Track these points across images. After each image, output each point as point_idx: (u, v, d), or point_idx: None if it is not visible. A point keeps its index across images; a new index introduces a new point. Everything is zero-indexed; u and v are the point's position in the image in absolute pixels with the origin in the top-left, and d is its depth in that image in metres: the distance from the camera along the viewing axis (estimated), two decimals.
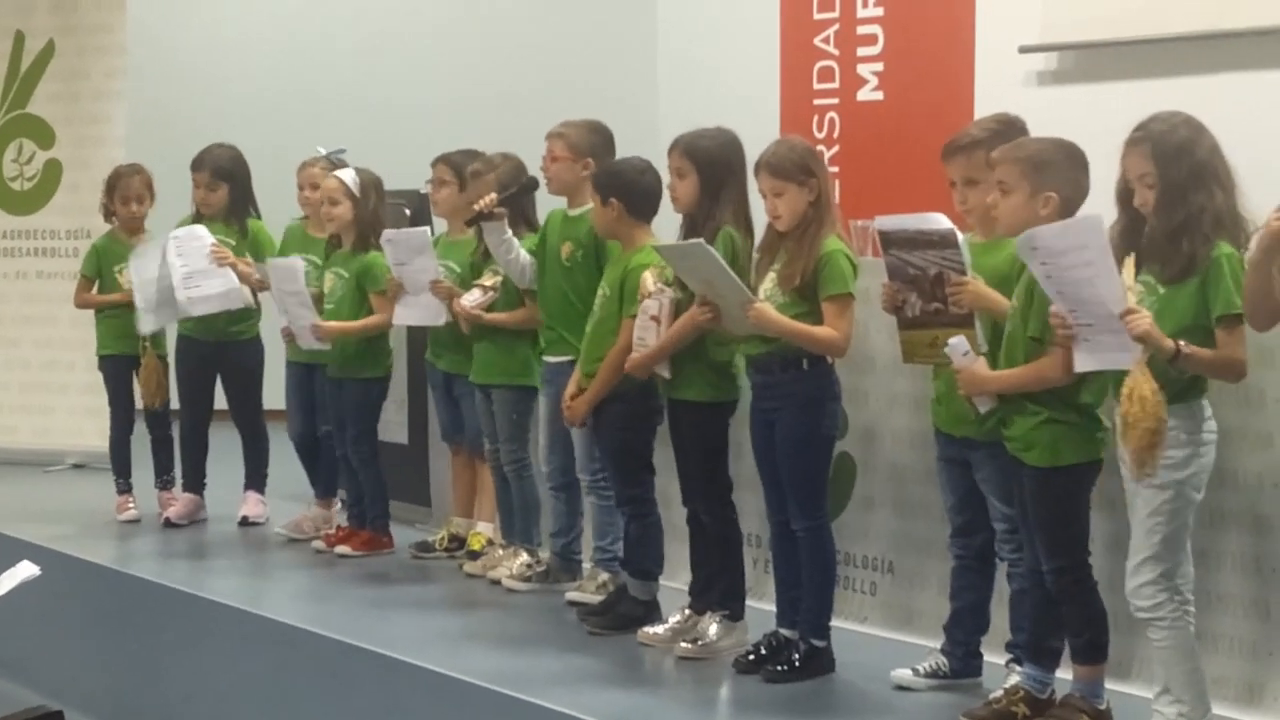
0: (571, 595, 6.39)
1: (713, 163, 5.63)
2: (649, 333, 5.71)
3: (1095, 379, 4.68)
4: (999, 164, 4.79)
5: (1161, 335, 4.30)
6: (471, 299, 6.75)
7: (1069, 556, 4.74)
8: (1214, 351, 4.35)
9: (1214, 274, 4.33)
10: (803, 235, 5.32)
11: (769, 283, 5.37)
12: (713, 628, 5.69)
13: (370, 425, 7.35)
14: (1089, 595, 4.77)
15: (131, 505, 8.15)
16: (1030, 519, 4.79)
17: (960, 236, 4.92)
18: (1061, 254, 4.36)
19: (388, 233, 7.12)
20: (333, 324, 7.15)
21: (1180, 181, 4.36)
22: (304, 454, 7.72)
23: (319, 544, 7.43)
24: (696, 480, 5.76)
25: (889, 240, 5.05)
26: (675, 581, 6.17)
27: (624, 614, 6.02)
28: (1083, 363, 4.47)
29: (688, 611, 5.83)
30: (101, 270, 8.18)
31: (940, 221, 4.92)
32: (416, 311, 7.04)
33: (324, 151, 7.55)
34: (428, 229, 7.20)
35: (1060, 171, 4.70)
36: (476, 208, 6.46)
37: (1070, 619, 4.79)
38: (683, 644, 5.70)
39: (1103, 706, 4.79)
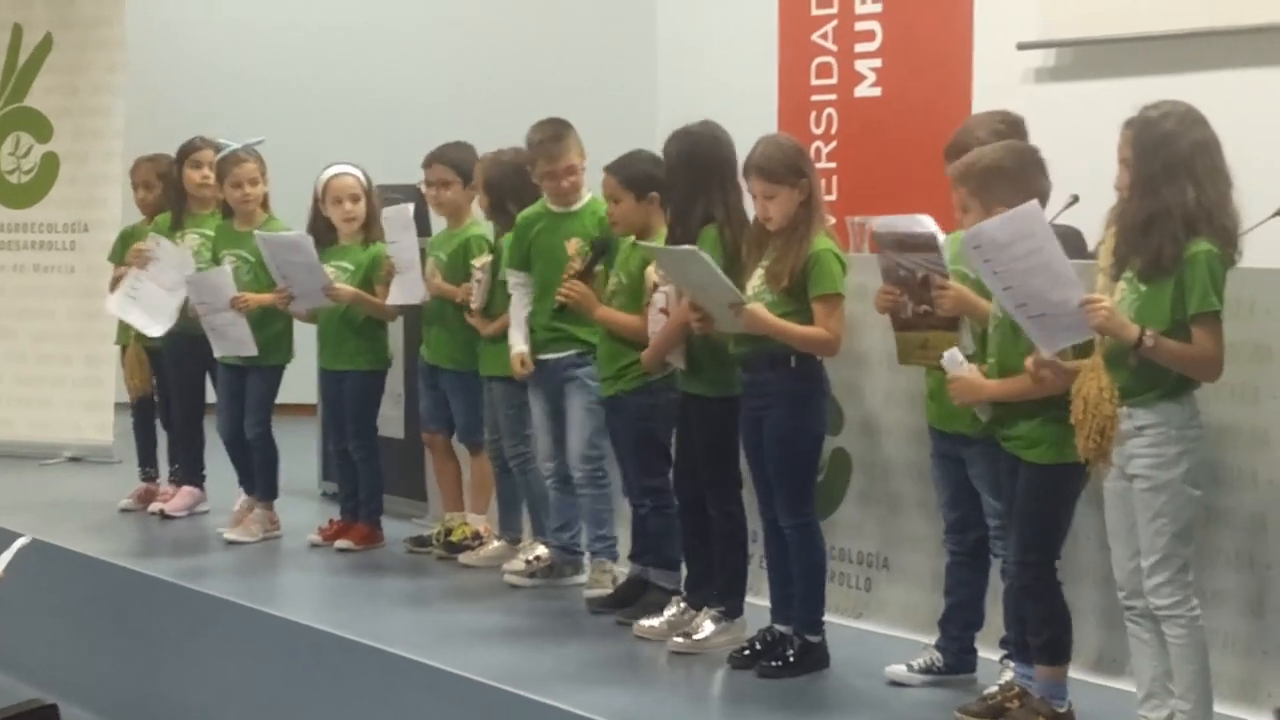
0: (591, 593, 6.36)
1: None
2: (659, 325, 5.73)
3: None
4: (954, 183, 4.78)
5: (1124, 323, 4.28)
6: (477, 298, 6.78)
7: (1040, 553, 4.74)
8: (1182, 345, 4.30)
9: (1190, 271, 4.28)
10: (792, 234, 5.30)
11: (756, 280, 5.36)
12: (707, 624, 5.69)
13: (373, 418, 7.37)
14: (1052, 594, 4.77)
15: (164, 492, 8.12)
16: (1015, 512, 4.80)
17: (941, 239, 4.91)
18: (1006, 246, 4.34)
19: (385, 210, 7.17)
20: (348, 288, 7.14)
21: (1153, 173, 4.33)
22: (235, 452, 7.65)
23: (314, 538, 7.43)
24: (705, 474, 5.74)
25: (882, 241, 5.07)
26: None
27: (652, 604, 6.01)
28: (1050, 344, 4.43)
29: (683, 605, 5.83)
30: (124, 257, 8.16)
31: (925, 224, 4.91)
32: (400, 291, 7.07)
33: (236, 145, 7.52)
34: (410, 206, 7.18)
35: (1010, 182, 4.66)
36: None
37: (1033, 616, 4.79)
38: (676, 639, 5.70)
39: (1063, 709, 4.77)
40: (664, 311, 5.70)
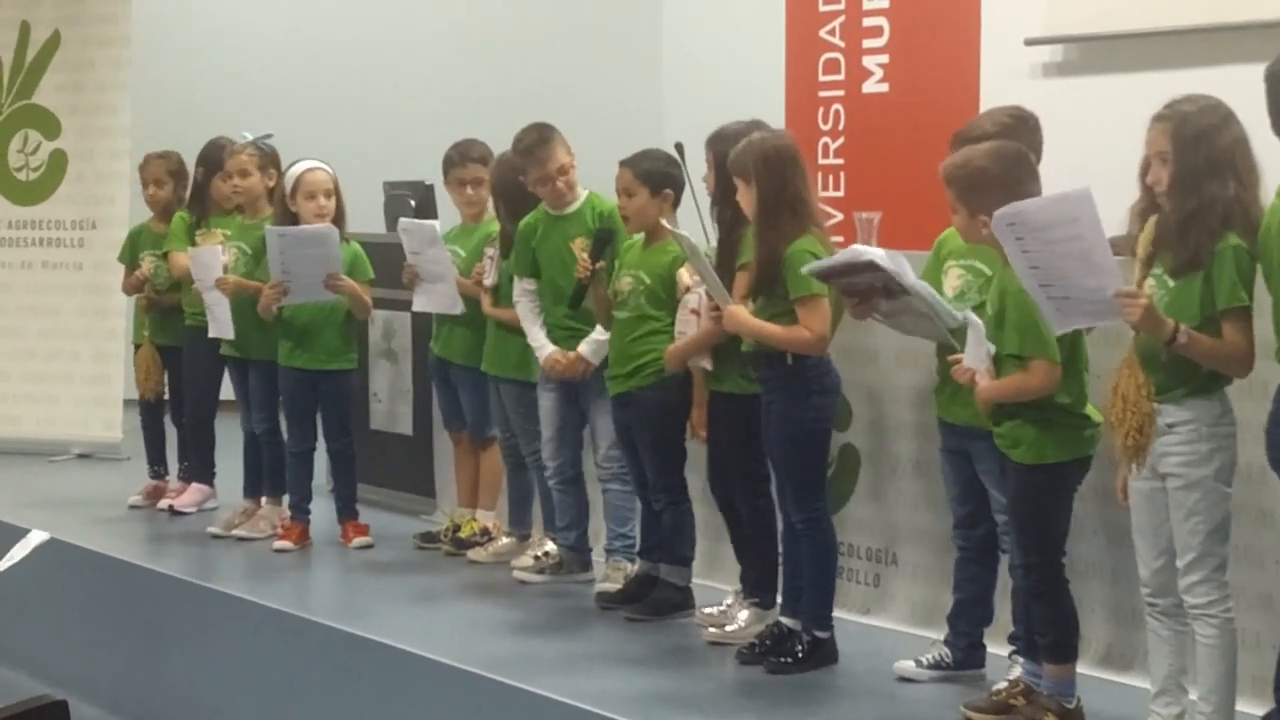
0: (601, 587, 6.37)
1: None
2: (689, 326, 5.74)
3: (1074, 382, 4.66)
4: (945, 181, 4.75)
5: (1160, 318, 4.25)
6: (490, 275, 6.82)
7: (1041, 554, 4.72)
8: (1214, 340, 4.29)
9: (1218, 266, 4.27)
10: (750, 234, 5.33)
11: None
12: (744, 614, 5.73)
13: (349, 416, 7.43)
14: (1058, 595, 4.76)
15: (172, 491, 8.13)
16: (1010, 514, 4.81)
17: (880, 257, 4.86)
18: (1045, 229, 4.27)
19: (403, 222, 7.23)
20: (350, 281, 7.09)
21: (1196, 168, 4.29)
22: (249, 447, 7.64)
23: (281, 544, 7.39)
24: (732, 470, 5.76)
25: (823, 276, 5.09)
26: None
27: (662, 600, 6.05)
28: (1063, 324, 4.42)
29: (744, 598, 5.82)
30: (134, 256, 8.18)
31: (861, 255, 4.89)
32: (434, 299, 7.13)
33: (250, 137, 7.51)
34: (436, 223, 7.23)
35: (996, 187, 4.59)
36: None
37: (1038, 617, 4.78)
38: (710, 629, 5.76)
39: (1072, 705, 4.77)
40: (695, 312, 5.70)
